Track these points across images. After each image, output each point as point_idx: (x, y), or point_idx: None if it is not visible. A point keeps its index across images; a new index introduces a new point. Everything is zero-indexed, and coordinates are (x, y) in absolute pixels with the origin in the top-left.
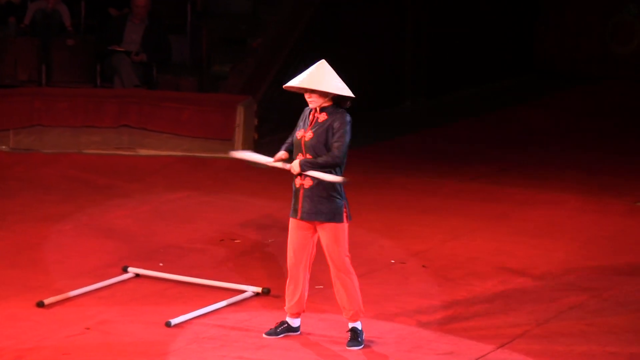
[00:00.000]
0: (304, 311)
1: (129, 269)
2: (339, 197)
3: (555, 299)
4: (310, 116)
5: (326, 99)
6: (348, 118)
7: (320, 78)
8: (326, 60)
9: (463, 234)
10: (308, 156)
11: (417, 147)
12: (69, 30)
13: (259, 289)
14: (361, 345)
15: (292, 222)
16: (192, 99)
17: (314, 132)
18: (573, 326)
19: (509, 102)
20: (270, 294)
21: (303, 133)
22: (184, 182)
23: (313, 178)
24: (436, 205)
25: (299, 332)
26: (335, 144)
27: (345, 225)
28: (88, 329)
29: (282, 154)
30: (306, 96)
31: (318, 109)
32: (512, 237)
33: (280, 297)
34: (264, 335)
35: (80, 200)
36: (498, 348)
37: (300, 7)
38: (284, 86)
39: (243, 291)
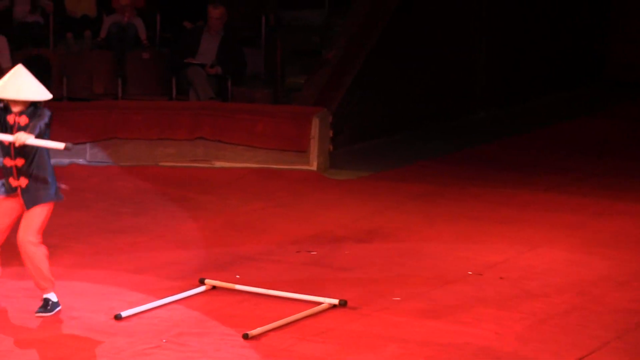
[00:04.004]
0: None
1: (206, 281)
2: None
3: (634, 310)
4: (10, 120)
5: (27, 104)
6: (48, 113)
7: (20, 86)
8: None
9: (539, 245)
10: (18, 159)
11: (490, 157)
12: (144, 43)
13: (336, 301)
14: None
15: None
16: (267, 111)
17: (32, 133)
18: None
19: (582, 112)
20: (347, 306)
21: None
22: (258, 193)
23: (26, 174)
24: (511, 215)
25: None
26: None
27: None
28: (164, 341)
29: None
30: (10, 103)
31: (18, 113)
32: (588, 248)
33: (357, 309)
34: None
35: (155, 212)
36: None
37: (373, 18)
38: None
39: (320, 303)
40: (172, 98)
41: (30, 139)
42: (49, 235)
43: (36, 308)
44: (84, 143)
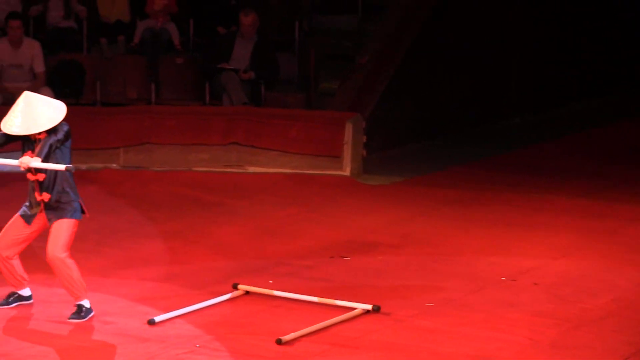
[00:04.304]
0: (26, 280)
1: (239, 286)
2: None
3: None
4: (32, 137)
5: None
6: (64, 128)
7: (36, 117)
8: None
9: (573, 251)
10: (39, 174)
11: (525, 162)
12: (178, 48)
13: (369, 306)
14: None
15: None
16: (300, 116)
17: (39, 155)
18: None
19: (616, 118)
20: (380, 312)
21: (32, 155)
22: (292, 199)
23: (48, 189)
24: (545, 221)
25: (31, 301)
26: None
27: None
28: (198, 346)
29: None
30: None
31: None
32: (623, 255)
33: (391, 314)
34: None
35: (189, 217)
36: None
37: (407, 23)
38: (4, 130)
39: (353, 308)
40: (206, 103)
41: (33, 162)
42: (82, 240)
43: (69, 314)
44: (117, 148)
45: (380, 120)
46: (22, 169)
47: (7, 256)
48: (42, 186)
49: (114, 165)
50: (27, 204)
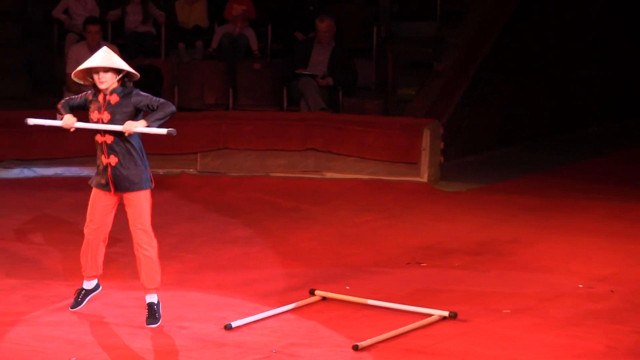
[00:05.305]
0: (100, 275)
1: (316, 292)
2: (143, 164)
3: None
4: (100, 98)
5: (114, 80)
6: (136, 91)
7: (112, 59)
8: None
9: None
10: (108, 136)
11: (603, 170)
12: (256, 54)
13: (446, 313)
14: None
15: (98, 193)
16: (378, 122)
17: (110, 114)
18: None
19: None
20: (457, 318)
21: (98, 115)
22: (369, 205)
23: (118, 154)
24: (622, 229)
25: (99, 288)
26: (155, 102)
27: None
28: (274, 352)
29: (70, 116)
30: (97, 79)
31: (108, 91)
32: None
33: (468, 321)
34: (70, 309)
35: (266, 223)
36: None
37: (485, 30)
38: (73, 73)
39: (430, 315)
40: (283, 109)
41: (139, 127)
42: (160, 245)
43: (145, 318)
44: (195, 153)
45: (458, 127)
46: (126, 134)
47: (102, 238)
48: (109, 148)
49: (192, 170)
50: (95, 172)
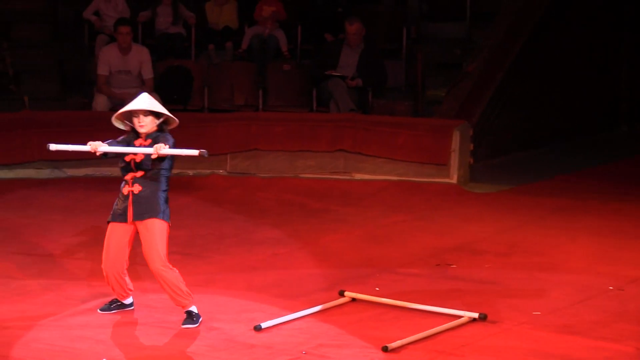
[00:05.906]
0: (131, 290)
1: (345, 293)
2: (165, 200)
3: None
4: (137, 144)
5: (154, 125)
6: (172, 139)
7: (153, 103)
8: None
9: None
10: (139, 172)
11: (633, 171)
12: (285, 55)
13: (475, 315)
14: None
15: (114, 227)
16: (407, 123)
17: (144, 154)
18: None
19: None
20: (487, 320)
21: (132, 156)
22: (398, 206)
23: (141, 183)
24: None
25: (132, 307)
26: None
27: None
28: (304, 353)
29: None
30: (136, 122)
31: (144, 137)
32: None
33: (497, 322)
34: (98, 311)
35: (296, 224)
36: None
37: (515, 31)
38: (114, 116)
39: (459, 316)
40: (313, 110)
41: (166, 149)
42: (189, 245)
43: (175, 318)
44: (225, 154)
45: (488, 128)
46: (155, 153)
47: (120, 271)
48: (136, 180)
49: (221, 171)
50: (112, 210)
